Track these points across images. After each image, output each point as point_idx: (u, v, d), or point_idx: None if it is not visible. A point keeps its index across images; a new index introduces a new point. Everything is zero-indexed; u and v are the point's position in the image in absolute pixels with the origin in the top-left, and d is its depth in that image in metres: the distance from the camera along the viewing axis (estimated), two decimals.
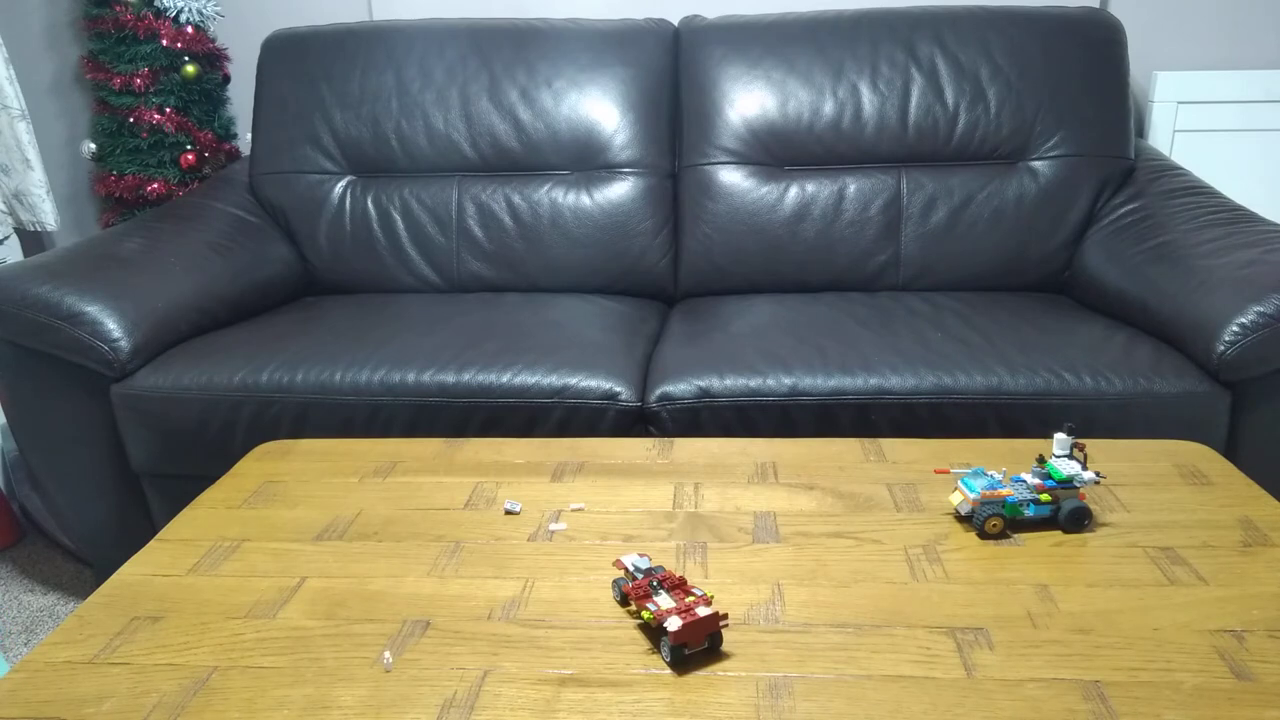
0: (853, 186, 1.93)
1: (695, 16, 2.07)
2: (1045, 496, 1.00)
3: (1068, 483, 1.01)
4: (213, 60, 2.27)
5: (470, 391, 1.49)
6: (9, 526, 1.99)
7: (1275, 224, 1.61)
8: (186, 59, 2.19)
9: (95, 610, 0.92)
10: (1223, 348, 1.39)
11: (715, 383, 1.47)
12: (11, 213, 2.19)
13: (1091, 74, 1.91)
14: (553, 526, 1.05)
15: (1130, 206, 1.83)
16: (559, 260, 1.96)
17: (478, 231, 1.98)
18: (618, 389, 1.48)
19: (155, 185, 2.20)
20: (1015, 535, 1.00)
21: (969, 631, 0.85)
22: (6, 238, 2.21)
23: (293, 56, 2.06)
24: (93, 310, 1.55)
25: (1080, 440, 1.06)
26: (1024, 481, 1.02)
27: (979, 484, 1.01)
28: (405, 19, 2.10)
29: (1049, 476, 1.02)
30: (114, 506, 1.67)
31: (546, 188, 1.98)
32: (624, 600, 0.90)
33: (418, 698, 0.78)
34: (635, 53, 2.01)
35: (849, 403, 1.44)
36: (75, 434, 1.62)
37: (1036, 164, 1.91)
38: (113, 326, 1.55)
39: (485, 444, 1.27)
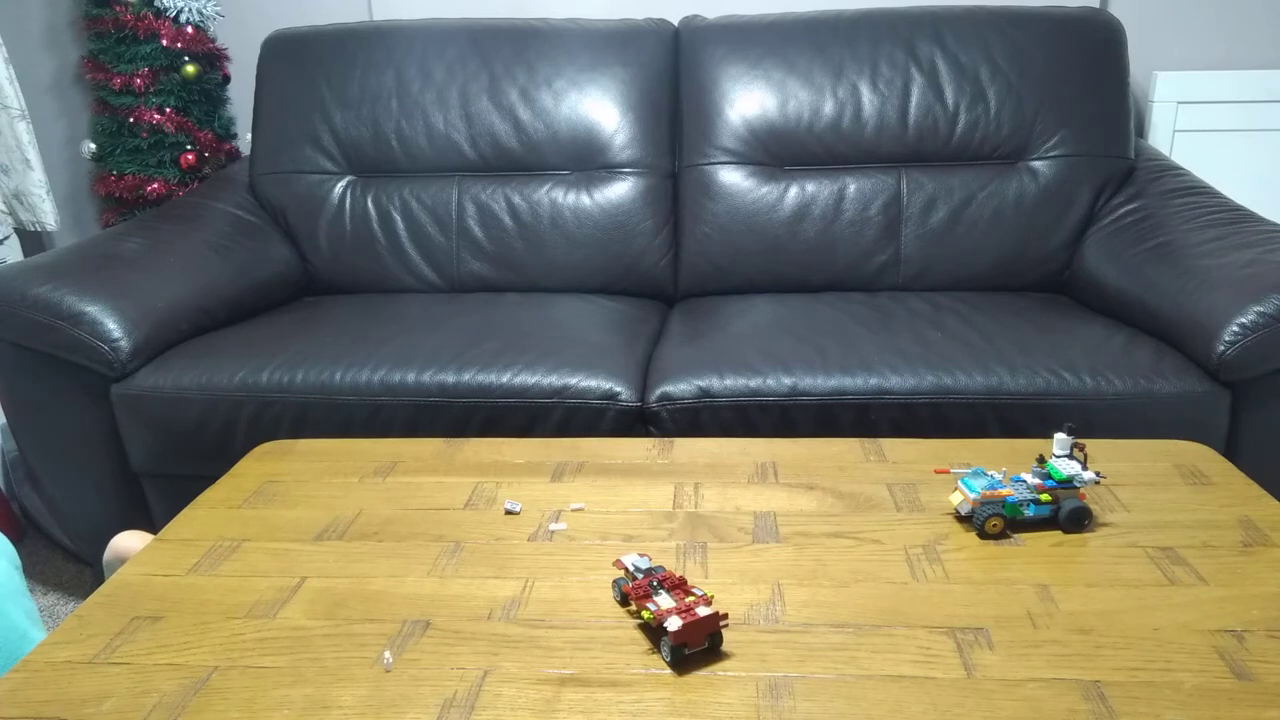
0: (853, 186, 1.92)
1: (695, 16, 2.07)
2: (1045, 496, 1.00)
3: (1068, 483, 1.01)
4: (213, 60, 2.26)
5: (470, 391, 1.49)
6: (9, 526, 1.99)
7: (1275, 224, 1.61)
8: (186, 59, 2.19)
9: (95, 610, 0.92)
10: (1223, 348, 1.39)
11: (715, 383, 1.47)
12: (11, 213, 2.19)
13: (1091, 74, 1.91)
14: (553, 526, 1.05)
15: (1130, 206, 1.83)
16: (559, 260, 1.96)
17: (478, 231, 1.98)
18: (618, 389, 1.48)
19: (155, 185, 2.20)
20: (1015, 535, 1.00)
21: (969, 631, 0.84)
22: (6, 238, 2.21)
23: (293, 56, 2.06)
24: (93, 310, 1.55)
25: (1080, 440, 1.06)
26: (1024, 481, 1.02)
27: (979, 484, 1.01)
28: (405, 19, 2.10)
29: (1049, 476, 1.02)
30: (114, 506, 1.67)
31: (546, 188, 1.98)
32: (624, 600, 0.90)
33: (418, 698, 0.78)
34: (635, 53, 2.01)
35: (849, 403, 1.44)
36: (75, 434, 1.62)
37: (1036, 164, 1.91)
38: (113, 326, 1.55)
39: (485, 444, 1.27)
